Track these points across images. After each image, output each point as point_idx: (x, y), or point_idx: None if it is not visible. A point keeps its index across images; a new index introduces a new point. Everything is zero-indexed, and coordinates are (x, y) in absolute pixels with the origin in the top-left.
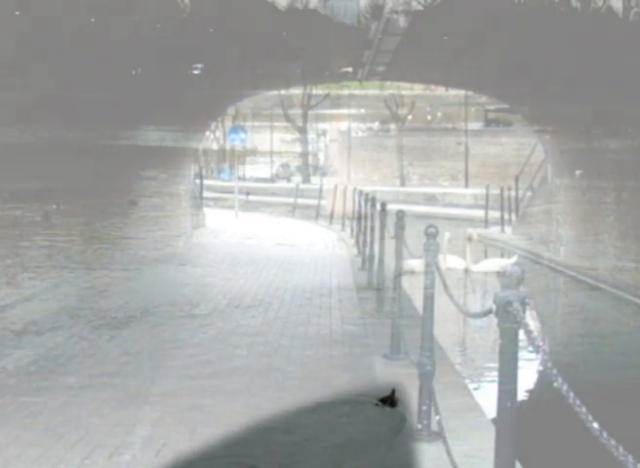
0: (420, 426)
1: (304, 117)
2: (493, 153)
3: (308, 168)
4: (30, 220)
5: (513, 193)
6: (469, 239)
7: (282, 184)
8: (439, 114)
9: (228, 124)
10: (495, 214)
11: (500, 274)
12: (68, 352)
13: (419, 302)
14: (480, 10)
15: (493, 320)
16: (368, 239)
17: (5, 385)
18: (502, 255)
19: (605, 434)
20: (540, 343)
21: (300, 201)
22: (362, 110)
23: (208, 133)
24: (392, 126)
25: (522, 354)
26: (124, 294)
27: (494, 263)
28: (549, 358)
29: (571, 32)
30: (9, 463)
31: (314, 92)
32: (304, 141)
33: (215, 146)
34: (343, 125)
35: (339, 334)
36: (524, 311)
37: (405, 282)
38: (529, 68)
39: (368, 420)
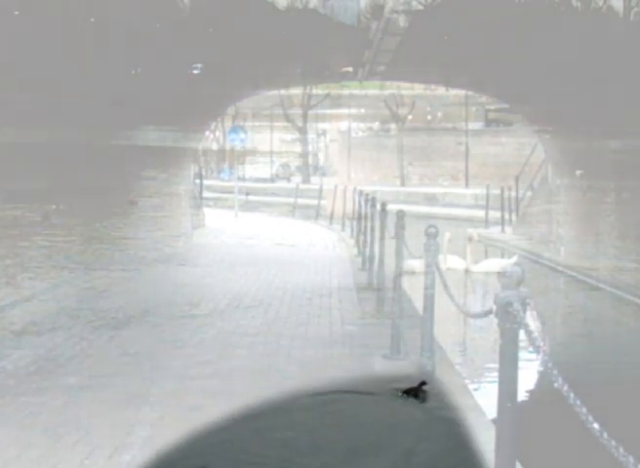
0: None
1: (304, 117)
2: (493, 153)
3: (308, 168)
4: (30, 220)
5: (513, 193)
6: (470, 239)
7: (282, 184)
8: (439, 114)
9: (228, 124)
10: (495, 215)
11: (501, 274)
12: (68, 352)
13: (419, 302)
14: (480, 9)
15: (493, 320)
16: (368, 239)
17: (5, 385)
18: (503, 256)
19: (605, 434)
20: (541, 344)
21: (300, 201)
22: (362, 110)
23: (208, 133)
24: (392, 126)
25: (522, 354)
26: (124, 295)
27: (494, 263)
28: (549, 358)
29: (571, 32)
30: (9, 463)
31: (314, 92)
32: (304, 141)
33: (214, 146)
34: (343, 125)
35: (338, 335)
36: (524, 311)
37: (405, 282)
38: (529, 68)
39: (392, 411)
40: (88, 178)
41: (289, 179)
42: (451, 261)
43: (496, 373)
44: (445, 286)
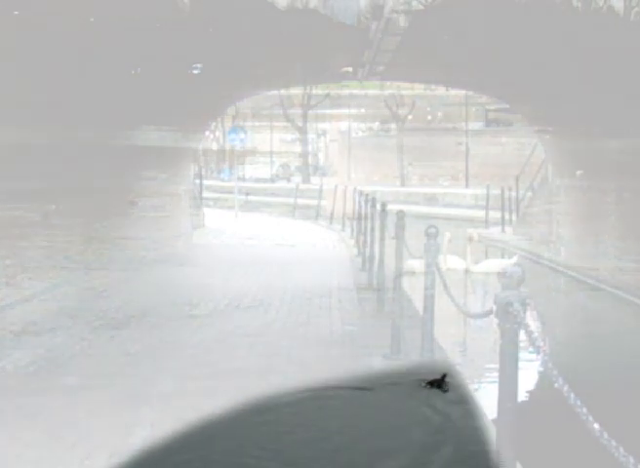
0: None
1: (304, 117)
2: (493, 153)
3: (308, 168)
4: (30, 220)
5: (514, 193)
6: (470, 239)
7: (282, 184)
8: (439, 114)
9: (228, 124)
10: (495, 215)
11: (501, 275)
12: (68, 353)
13: (419, 303)
14: (480, 9)
15: (493, 320)
16: (368, 239)
17: (4, 386)
18: (503, 256)
19: (606, 435)
20: (541, 344)
21: (300, 201)
22: (362, 110)
23: (208, 133)
24: (392, 126)
25: (523, 355)
26: (124, 295)
27: (494, 264)
28: (550, 359)
29: (572, 32)
30: (9, 463)
31: (314, 92)
32: (304, 141)
33: (214, 146)
34: (343, 125)
35: (339, 335)
36: (524, 312)
37: (405, 282)
38: (529, 68)
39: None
40: (88, 178)
41: (289, 180)
42: (451, 262)
43: (496, 374)
44: (445, 286)
